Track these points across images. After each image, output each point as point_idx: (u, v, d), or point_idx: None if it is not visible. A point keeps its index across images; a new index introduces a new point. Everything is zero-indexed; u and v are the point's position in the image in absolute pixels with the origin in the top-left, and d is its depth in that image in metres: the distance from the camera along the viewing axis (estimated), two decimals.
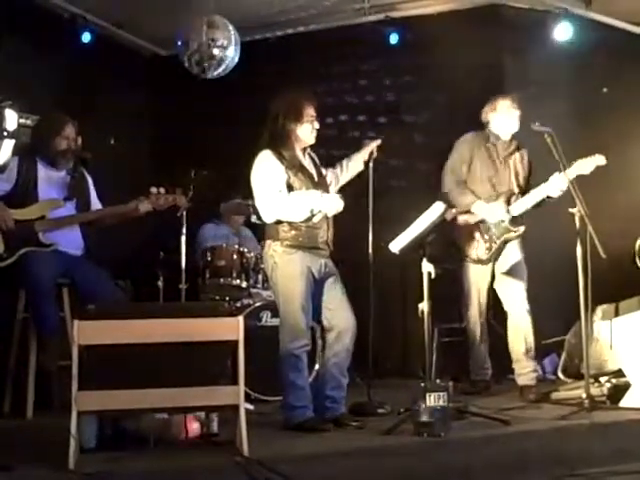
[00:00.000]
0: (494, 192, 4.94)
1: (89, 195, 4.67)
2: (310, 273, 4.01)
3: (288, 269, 3.98)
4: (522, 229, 4.92)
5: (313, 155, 4.29)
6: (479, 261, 4.95)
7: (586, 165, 4.62)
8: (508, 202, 4.91)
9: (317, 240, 4.05)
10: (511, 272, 4.92)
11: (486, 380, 5.07)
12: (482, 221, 4.95)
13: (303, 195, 4.00)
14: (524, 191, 4.95)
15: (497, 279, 4.98)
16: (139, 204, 4.49)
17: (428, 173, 5.83)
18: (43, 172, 4.46)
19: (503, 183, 4.98)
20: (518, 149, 5.07)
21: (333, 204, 3.99)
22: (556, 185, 4.68)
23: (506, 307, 4.94)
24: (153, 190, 4.52)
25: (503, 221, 4.87)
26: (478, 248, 4.94)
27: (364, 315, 4.31)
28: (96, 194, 4.71)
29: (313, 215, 3.99)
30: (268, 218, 4.04)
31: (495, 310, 5.13)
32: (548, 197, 4.81)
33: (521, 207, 4.88)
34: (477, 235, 4.95)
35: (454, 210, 4.80)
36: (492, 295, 5.05)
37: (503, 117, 5.01)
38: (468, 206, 4.93)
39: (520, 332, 4.84)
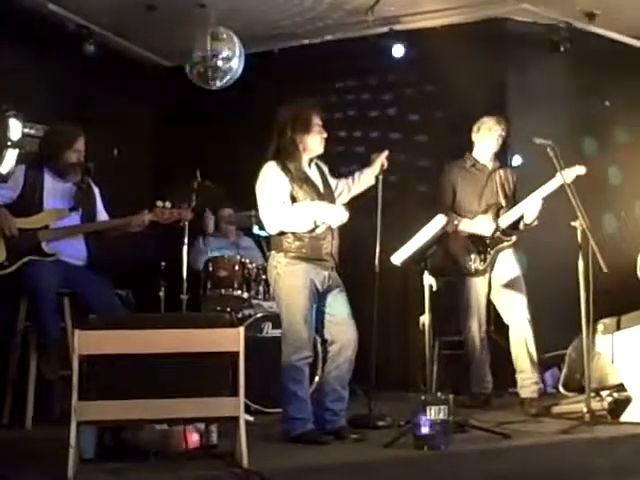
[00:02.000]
0: (483, 207, 5.02)
1: (95, 206, 4.67)
2: (313, 285, 3.99)
3: (291, 281, 3.97)
4: (514, 238, 5.00)
5: (322, 165, 4.27)
6: (476, 272, 4.98)
7: (566, 175, 4.64)
8: (497, 215, 4.99)
9: (321, 251, 4.03)
10: (508, 283, 4.94)
11: (486, 393, 5.05)
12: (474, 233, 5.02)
13: (307, 206, 3.98)
14: (512, 203, 5.02)
15: (494, 292, 5.00)
16: (144, 217, 4.50)
17: (430, 187, 5.83)
18: (50, 182, 4.47)
19: (491, 197, 5.06)
20: (501, 167, 5.15)
21: (337, 215, 3.98)
22: (532, 204, 4.82)
23: (506, 319, 4.94)
24: (159, 204, 4.54)
25: (495, 232, 4.95)
26: (474, 260, 4.98)
27: (365, 327, 4.30)
28: (103, 205, 4.72)
29: (317, 226, 3.98)
30: (272, 229, 4.03)
31: (496, 323, 5.13)
32: (526, 224, 4.94)
33: (508, 219, 4.96)
34: (471, 247, 5.00)
35: (455, 221, 4.85)
36: (493, 308, 5.05)
37: (484, 138, 5.08)
38: (455, 226, 4.98)
39: (522, 342, 4.83)
